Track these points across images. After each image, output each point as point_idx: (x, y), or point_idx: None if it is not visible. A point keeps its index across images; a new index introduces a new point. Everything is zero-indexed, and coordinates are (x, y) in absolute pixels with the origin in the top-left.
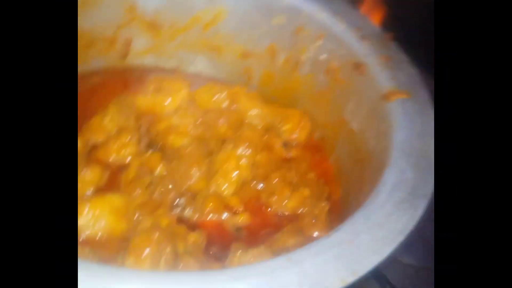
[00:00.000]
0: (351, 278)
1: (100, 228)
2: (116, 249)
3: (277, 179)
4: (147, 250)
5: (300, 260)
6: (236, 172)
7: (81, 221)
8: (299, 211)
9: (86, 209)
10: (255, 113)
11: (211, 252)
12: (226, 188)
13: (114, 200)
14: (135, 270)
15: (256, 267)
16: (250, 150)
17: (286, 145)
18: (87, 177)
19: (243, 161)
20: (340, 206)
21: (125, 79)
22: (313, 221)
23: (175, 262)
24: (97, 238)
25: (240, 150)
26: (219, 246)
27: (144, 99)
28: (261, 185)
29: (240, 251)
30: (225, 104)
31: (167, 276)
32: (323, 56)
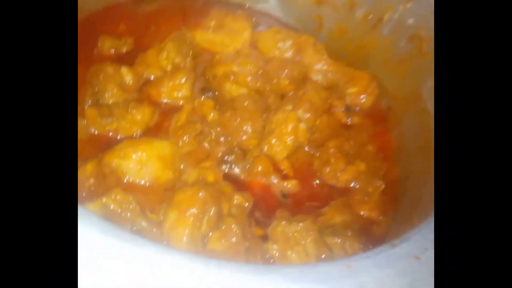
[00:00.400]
0: None
1: (145, 175)
2: (159, 199)
3: (333, 148)
4: (192, 210)
5: (360, 270)
6: (292, 136)
7: (128, 164)
8: (351, 186)
9: (133, 153)
10: (320, 68)
11: (254, 217)
12: (279, 151)
13: (163, 147)
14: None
15: (314, 270)
16: (310, 114)
17: (348, 110)
18: (137, 117)
19: (302, 125)
20: (395, 189)
21: (185, 9)
22: (365, 198)
23: (217, 224)
24: (141, 184)
25: (300, 112)
26: (263, 211)
27: (204, 35)
28: (316, 152)
29: (284, 222)
30: (289, 54)
31: (217, 267)
32: (410, 21)
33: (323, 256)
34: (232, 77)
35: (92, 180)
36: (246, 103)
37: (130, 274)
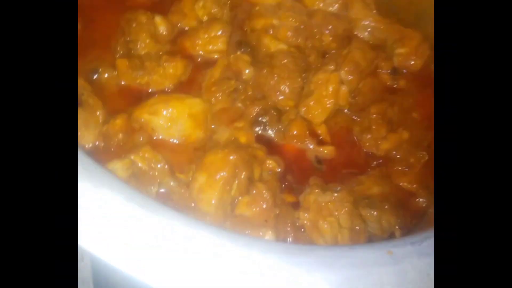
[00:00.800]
0: None
1: (175, 132)
2: (188, 159)
3: (375, 114)
4: (222, 173)
5: (402, 257)
6: (332, 100)
7: (157, 121)
8: (392, 155)
9: (164, 110)
10: (368, 24)
11: (286, 183)
12: (317, 114)
13: (195, 104)
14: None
15: (350, 254)
16: (353, 76)
17: (395, 72)
18: (169, 70)
19: (344, 88)
20: None
21: None
22: (406, 169)
23: (248, 189)
24: (170, 142)
25: (342, 74)
26: (296, 177)
27: None
28: (357, 117)
29: (318, 190)
30: (335, 7)
31: (246, 245)
32: None
33: (357, 228)
34: (271, 31)
35: (120, 136)
36: (285, 61)
37: (148, 243)
